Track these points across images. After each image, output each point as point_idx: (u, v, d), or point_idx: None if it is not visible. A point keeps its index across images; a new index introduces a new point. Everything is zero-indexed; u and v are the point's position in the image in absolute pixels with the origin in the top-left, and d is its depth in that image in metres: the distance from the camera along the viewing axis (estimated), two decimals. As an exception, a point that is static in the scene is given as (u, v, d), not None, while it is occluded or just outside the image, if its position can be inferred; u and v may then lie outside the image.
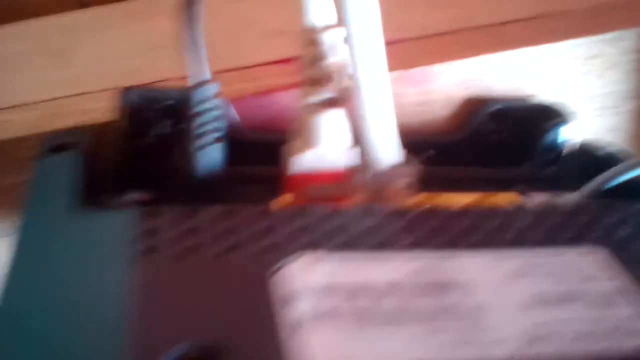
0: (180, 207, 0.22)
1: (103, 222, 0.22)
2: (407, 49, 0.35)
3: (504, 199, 0.31)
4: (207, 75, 0.27)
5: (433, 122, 0.35)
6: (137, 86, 0.30)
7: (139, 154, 0.29)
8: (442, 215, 0.24)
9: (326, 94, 0.26)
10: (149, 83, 0.32)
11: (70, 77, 0.34)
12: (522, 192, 0.31)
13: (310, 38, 0.26)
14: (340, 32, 0.24)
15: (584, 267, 0.23)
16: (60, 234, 0.21)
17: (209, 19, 0.27)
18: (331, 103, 0.26)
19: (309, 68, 0.26)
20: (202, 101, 0.26)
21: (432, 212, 0.24)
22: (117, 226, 0.22)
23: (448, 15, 0.36)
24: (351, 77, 0.24)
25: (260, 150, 0.30)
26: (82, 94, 0.33)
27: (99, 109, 0.32)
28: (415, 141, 0.28)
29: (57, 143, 0.27)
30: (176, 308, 0.19)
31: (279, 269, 0.21)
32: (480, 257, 0.23)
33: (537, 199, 0.31)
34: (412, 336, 0.19)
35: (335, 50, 0.26)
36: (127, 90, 0.29)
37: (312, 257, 0.21)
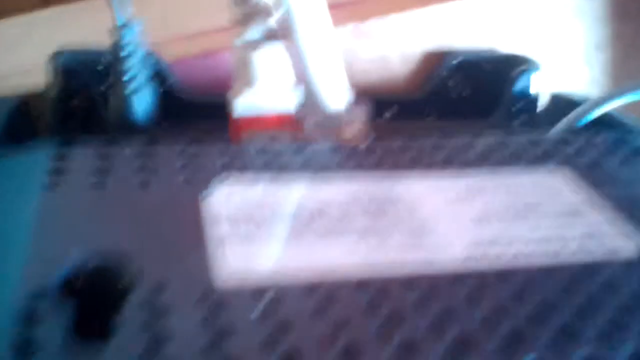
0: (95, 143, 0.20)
1: (17, 161, 0.20)
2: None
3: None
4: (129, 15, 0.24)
5: (391, 80, 0.32)
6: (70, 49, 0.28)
7: (71, 117, 0.27)
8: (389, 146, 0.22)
9: (260, 29, 0.24)
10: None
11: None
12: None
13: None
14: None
15: (548, 183, 0.21)
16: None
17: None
18: (267, 39, 0.24)
19: (240, 4, 0.24)
20: (126, 43, 0.24)
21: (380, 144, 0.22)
22: (31, 163, 0.20)
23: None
24: (285, 11, 0.23)
25: (204, 111, 0.28)
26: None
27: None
28: (373, 101, 0.26)
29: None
30: (86, 227, 0.17)
31: (205, 192, 0.18)
32: (429, 179, 0.20)
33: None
34: (353, 243, 0.17)
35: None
36: (59, 52, 0.27)
37: (240, 178, 0.19)
